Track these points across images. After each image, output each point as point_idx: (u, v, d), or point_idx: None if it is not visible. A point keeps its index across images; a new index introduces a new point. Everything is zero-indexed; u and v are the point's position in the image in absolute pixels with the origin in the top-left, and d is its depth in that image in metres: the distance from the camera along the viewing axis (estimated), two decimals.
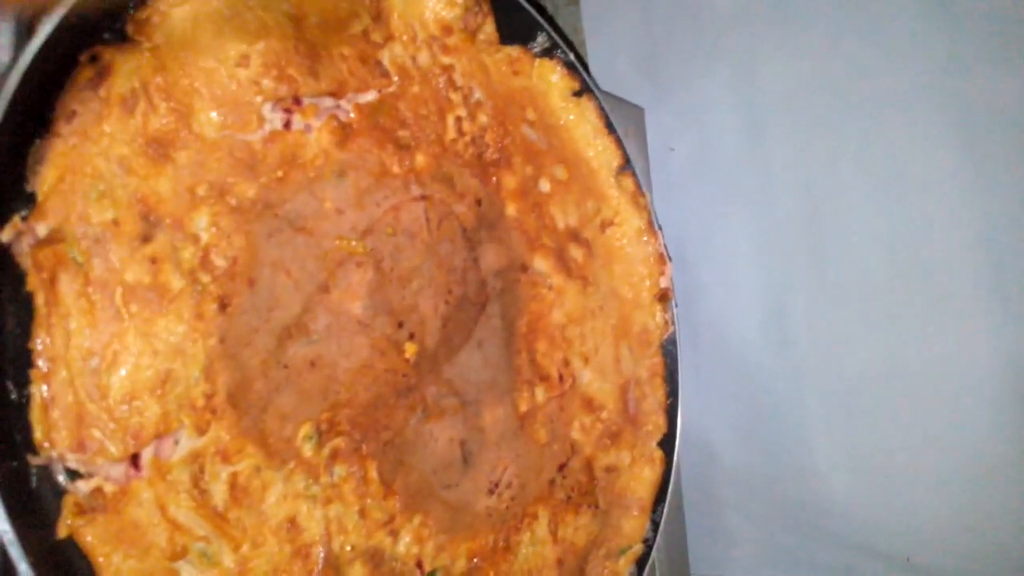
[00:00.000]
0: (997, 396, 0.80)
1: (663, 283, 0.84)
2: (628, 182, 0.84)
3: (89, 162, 0.51)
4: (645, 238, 0.84)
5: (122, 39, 0.55)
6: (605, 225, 0.83)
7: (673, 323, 0.87)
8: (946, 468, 0.83)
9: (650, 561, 0.82)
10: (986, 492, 0.81)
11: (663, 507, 0.83)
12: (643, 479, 0.83)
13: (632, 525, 0.82)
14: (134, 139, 0.53)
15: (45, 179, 0.50)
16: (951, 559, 0.84)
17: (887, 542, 0.87)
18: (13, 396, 0.48)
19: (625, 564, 0.80)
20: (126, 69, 0.53)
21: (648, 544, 0.82)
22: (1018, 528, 0.79)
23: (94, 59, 0.53)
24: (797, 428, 0.94)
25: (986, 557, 0.81)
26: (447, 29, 0.74)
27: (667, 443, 0.85)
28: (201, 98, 0.57)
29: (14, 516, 0.45)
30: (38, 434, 0.48)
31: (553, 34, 0.81)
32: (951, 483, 0.82)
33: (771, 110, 0.95)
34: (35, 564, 0.45)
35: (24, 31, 0.53)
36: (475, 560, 0.67)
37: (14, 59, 0.51)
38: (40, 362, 0.48)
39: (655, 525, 0.83)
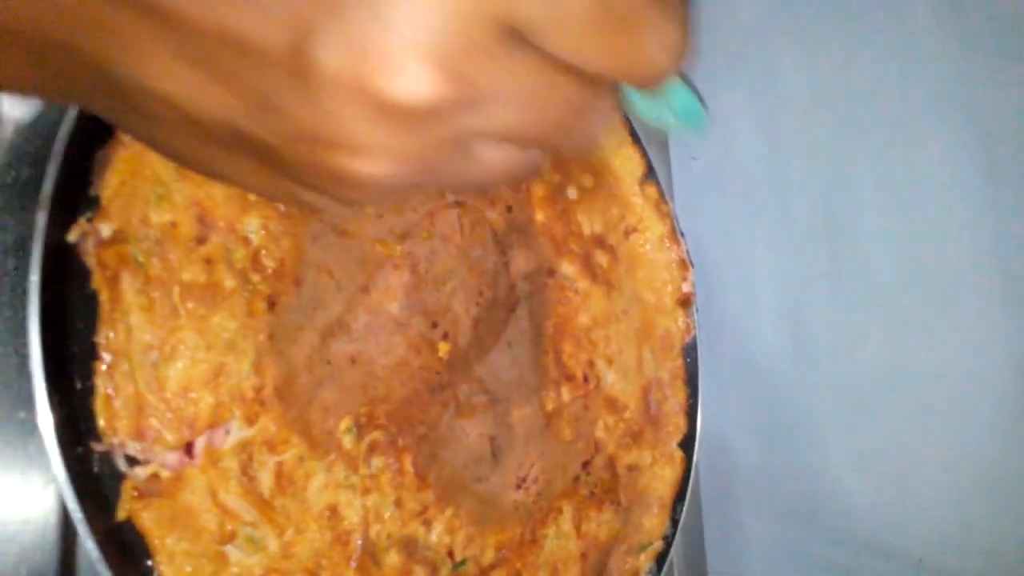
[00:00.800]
0: (1012, 400, 0.82)
1: (685, 288, 0.86)
2: (652, 190, 0.87)
3: (149, 168, 0.54)
4: (668, 244, 0.87)
5: None
6: (629, 232, 0.86)
7: (694, 327, 0.89)
8: (961, 470, 0.84)
9: (668, 559, 0.85)
10: (1001, 494, 0.83)
11: (682, 506, 0.86)
12: (663, 478, 0.85)
13: (653, 522, 0.84)
14: None
15: (109, 183, 0.53)
16: (965, 561, 0.85)
17: (901, 543, 0.89)
18: (79, 387, 0.51)
19: (645, 560, 0.83)
20: None
21: (667, 541, 0.85)
22: None
23: None
24: (813, 430, 0.96)
25: (1001, 559, 0.83)
26: None
27: (687, 444, 0.88)
28: None
29: (80, 497, 0.48)
30: (101, 422, 0.51)
31: None
32: (966, 485, 0.84)
33: (790, 122, 0.98)
34: (100, 543, 0.48)
35: None
36: (503, 551, 0.70)
37: None
38: (104, 355, 0.51)
39: (675, 523, 0.85)
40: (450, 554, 0.66)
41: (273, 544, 0.57)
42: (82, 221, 0.52)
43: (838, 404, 0.93)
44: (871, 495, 0.90)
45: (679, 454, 0.86)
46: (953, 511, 0.85)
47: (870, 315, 0.90)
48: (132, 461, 0.53)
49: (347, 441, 0.61)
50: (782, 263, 0.98)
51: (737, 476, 1.04)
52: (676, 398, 0.88)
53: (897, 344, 0.88)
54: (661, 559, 0.84)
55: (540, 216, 0.78)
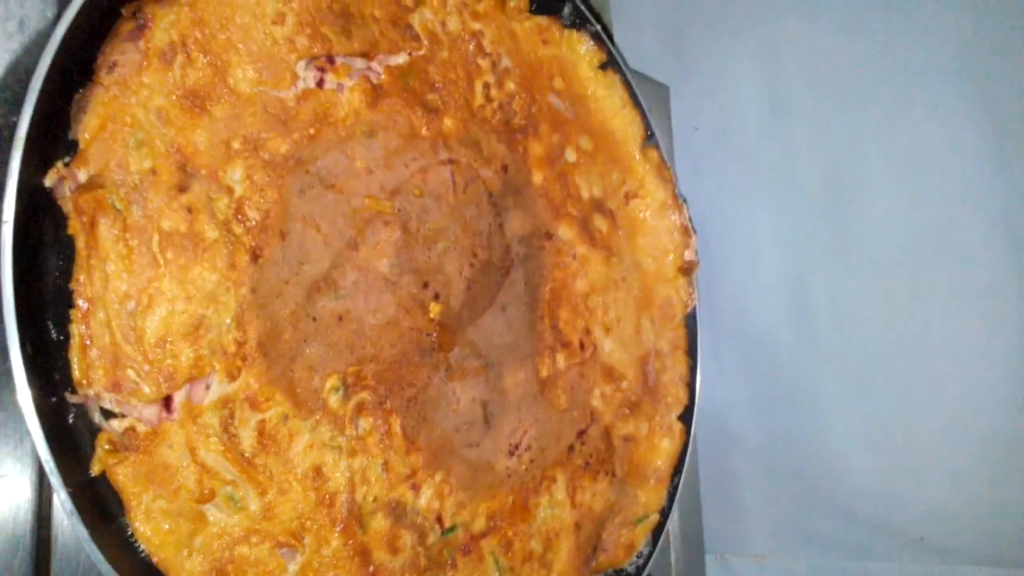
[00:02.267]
0: (1015, 377, 0.80)
1: (688, 255, 0.84)
2: (653, 154, 0.84)
3: (129, 112, 0.52)
4: (670, 210, 0.84)
5: None
6: (630, 197, 0.84)
7: (697, 296, 0.87)
8: (962, 448, 0.83)
9: (664, 534, 0.83)
10: (1001, 473, 0.81)
11: (679, 479, 0.84)
12: (661, 450, 0.83)
13: (649, 495, 0.82)
14: (172, 91, 0.54)
15: (87, 127, 0.51)
16: (965, 539, 0.84)
17: (902, 520, 0.88)
18: (53, 335, 0.49)
19: (641, 533, 0.81)
20: (165, 22, 0.55)
21: (664, 515, 0.83)
22: None
23: (135, 12, 0.54)
24: (814, 405, 0.94)
25: (1000, 538, 0.81)
26: None
27: (687, 416, 0.86)
28: (237, 53, 0.58)
29: (53, 448, 0.46)
30: (76, 373, 0.49)
31: (580, 4, 0.81)
32: (967, 463, 0.83)
33: (794, 88, 0.95)
34: (73, 494, 0.47)
35: None
36: (494, 519, 0.68)
37: (59, 13, 0.53)
38: (79, 302, 0.49)
39: (672, 496, 0.84)
40: (439, 520, 0.65)
41: (254, 504, 0.55)
42: (59, 165, 0.50)
43: (840, 378, 0.91)
44: (873, 472, 0.89)
45: (679, 426, 0.84)
46: (956, 489, 0.83)
47: (874, 287, 0.88)
48: (108, 415, 0.51)
49: (333, 401, 0.60)
50: (785, 233, 0.96)
51: (736, 450, 1.02)
52: (677, 369, 0.86)
53: (902, 317, 0.86)
54: (657, 533, 0.82)
55: (537, 177, 0.76)
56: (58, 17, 0.52)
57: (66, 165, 0.51)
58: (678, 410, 0.85)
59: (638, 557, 0.80)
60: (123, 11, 0.53)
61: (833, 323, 0.92)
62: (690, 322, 0.87)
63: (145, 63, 0.53)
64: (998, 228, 0.80)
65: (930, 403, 0.84)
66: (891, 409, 0.87)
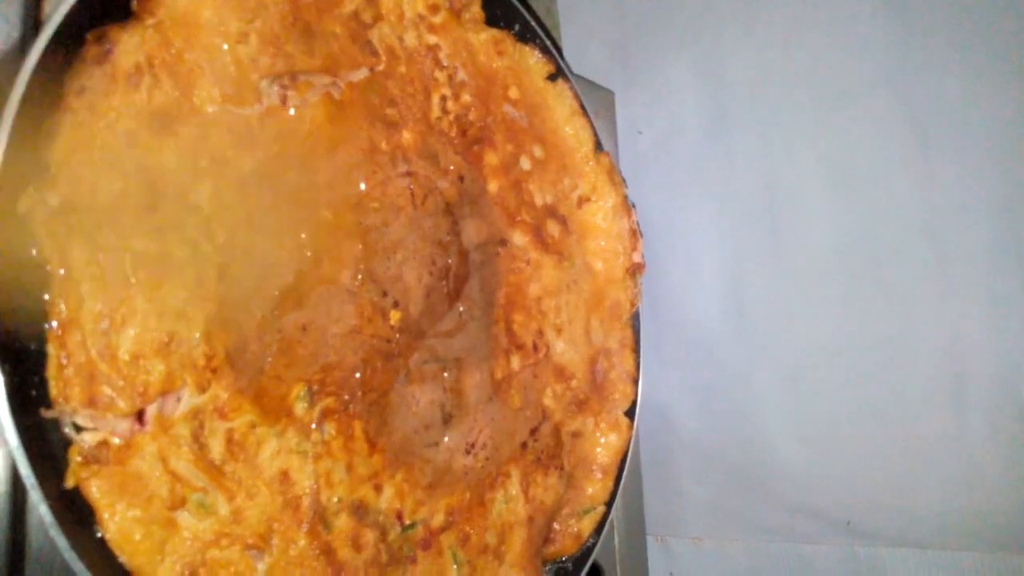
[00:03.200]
0: (936, 373, 0.86)
1: (636, 258, 0.89)
2: (605, 159, 0.88)
3: (98, 135, 0.54)
4: (620, 214, 0.88)
5: (127, 15, 0.57)
6: (582, 201, 0.87)
7: (641, 296, 0.92)
8: (886, 439, 0.89)
9: (608, 520, 0.88)
10: (922, 460, 0.88)
11: (624, 471, 0.89)
12: (608, 445, 0.88)
13: (596, 487, 0.87)
14: (140, 113, 0.56)
15: (57, 151, 0.52)
16: (888, 522, 0.91)
17: (830, 506, 0.94)
18: (32, 353, 0.51)
19: (589, 523, 0.86)
20: (131, 45, 0.56)
21: (608, 505, 0.88)
22: (950, 493, 0.86)
23: (100, 38, 0.55)
24: (750, 399, 1.00)
25: (920, 521, 0.88)
26: (434, 8, 0.77)
27: (632, 412, 0.91)
28: (202, 74, 0.59)
29: (34, 463, 0.48)
30: (54, 391, 0.51)
31: (529, 19, 0.84)
32: (891, 452, 0.89)
33: (734, 98, 1.00)
34: (52, 508, 0.49)
35: (33, 3, 0.56)
36: (452, 515, 0.72)
37: (24, 34, 0.54)
38: (55, 323, 0.51)
39: (616, 487, 0.88)
40: (399, 517, 0.68)
41: (224, 509, 0.58)
42: (30, 190, 0.52)
43: (773, 373, 0.97)
44: (803, 460, 0.95)
45: (626, 422, 0.89)
46: (879, 477, 0.90)
47: (806, 288, 0.94)
48: (79, 428, 0.53)
49: (299, 408, 0.62)
50: (724, 236, 1.02)
51: (675, 442, 1.08)
52: (624, 366, 0.90)
53: (831, 316, 0.92)
54: (602, 523, 0.87)
55: (493, 186, 0.79)
56: (23, 39, 0.54)
57: (37, 190, 0.52)
58: (625, 406, 0.89)
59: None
60: (88, 36, 0.55)
61: (768, 322, 0.98)
62: (634, 321, 0.92)
63: (113, 87, 0.55)
64: (922, 236, 0.86)
65: (856, 397, 0.91)
66: (820, 402, 0.94)
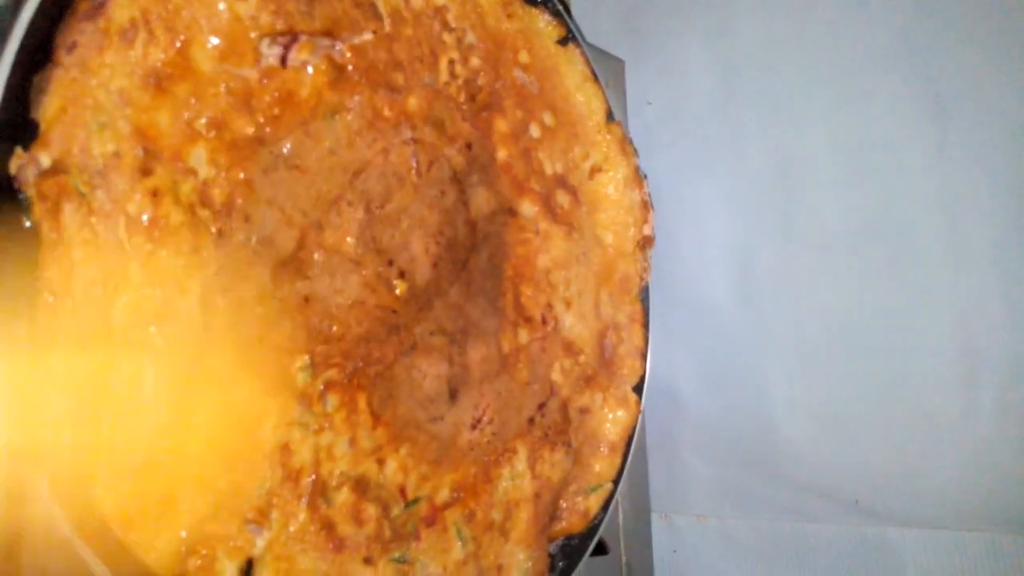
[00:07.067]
0: (947, 352, 0.84)
1: (646, 231, 0.86)
2: (618, 129, 0.86)
3: (90, 93, 0.51)
4: (631, 186, 0.86)
5: None
6: (594, 171, 0.85)
7: (651, 270, 0.89)
8: (896, 417, 0.88)
9: (614, 497, 0.86)
10: (932, 439, 0.86)
11: (631, 448, 0.87)
12: (616, 421, 0.86)
13: (603, 464, 0.85)
14: (133, 71, 0.53)
15: (47, 109, 0.50)
16: (896, 502, 0.89)
17: (837, 485, 0.93)
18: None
19: (596, 501, 0.84)
20: None
21: (615, 482, 0.86)
22: (960, 473, 0.85)
23: None
24: (757, 376, 0.98)
25: (928, 501, 0.87)
26: None
27: (640, 387, 0.89)
28: (200, 30, 0.57)
29: None
30: None
31: None
32: (899, 432, 0.87)
33: (745, 69, 0.97)
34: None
35: None
36: (457, 491, 0.70)
37: None
38: (46, 291, 0.49)
39: (624, 464, 0.87)
40: (402, 492, 0.67)
41: (223, 482, 0.56)
42: (19, 150, 0.49)
43: (782, 350, 0.95)
44: (811, 439, 0.93)
45: (634, 397, 0.87)
46: (888, 457, 0.88)
47: (817, 264, 0.92)
48: None
49: (301, 379, 0.60)
50: (733, 210, 0.99)
51: (682, 418, 1.06)
52: (633, 341, 0.88)
53: (842, 293, 0.90)
54: (608, 500, 0.85)
55: (502, 154, 0.77)
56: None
57: (26, 149, 0.50)
58: (633, 381, 0.87)
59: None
60: None
61: (777, 297, 0.96)
62: (643, 295, 0.90)
63: (106, 42, 0.52)
64: (935, 213, 0.84)
65: (866, 376, 0.89)
66: (829, 380, 0.92)
